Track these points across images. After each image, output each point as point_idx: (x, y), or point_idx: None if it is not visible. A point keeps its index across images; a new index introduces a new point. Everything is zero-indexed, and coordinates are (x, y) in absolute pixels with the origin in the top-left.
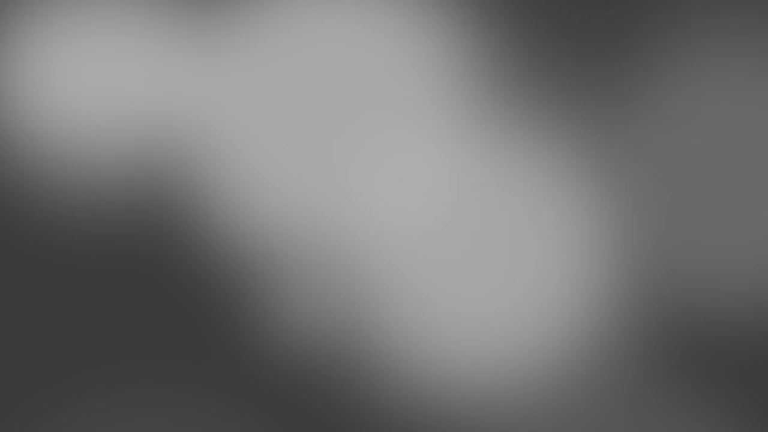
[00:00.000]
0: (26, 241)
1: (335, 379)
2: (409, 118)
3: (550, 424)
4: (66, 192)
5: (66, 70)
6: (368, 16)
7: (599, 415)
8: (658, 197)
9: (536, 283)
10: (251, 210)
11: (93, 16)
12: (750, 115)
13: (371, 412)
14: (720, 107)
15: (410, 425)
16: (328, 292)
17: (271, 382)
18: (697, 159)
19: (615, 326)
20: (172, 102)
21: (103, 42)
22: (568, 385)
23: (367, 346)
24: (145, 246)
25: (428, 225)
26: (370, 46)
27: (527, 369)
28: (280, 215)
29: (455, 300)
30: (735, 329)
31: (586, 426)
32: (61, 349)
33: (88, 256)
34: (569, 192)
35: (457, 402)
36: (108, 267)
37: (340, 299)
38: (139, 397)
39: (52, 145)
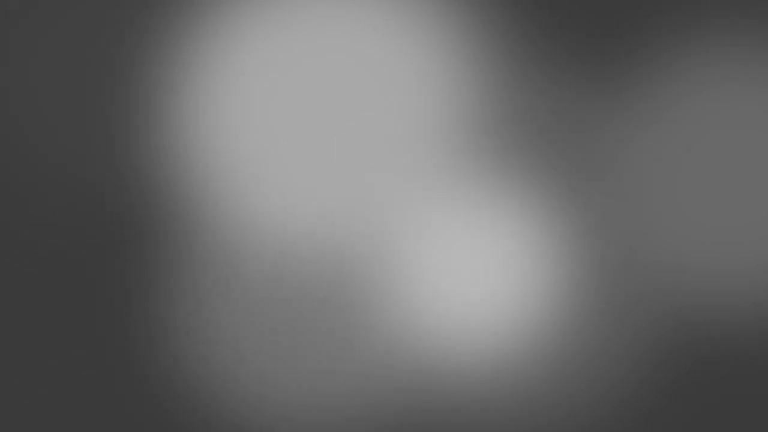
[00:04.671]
0: None
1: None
2: (408, 118)
3: (550, 423)
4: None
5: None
6: (368, 15)
7: (599, 414)
8: (659, 197)
9: (535, 284)
10: (250, 212)
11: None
12: (750, 117)
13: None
14: (721, 108)
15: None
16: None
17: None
18: (698, 159)
19: (614, 326)
20: (171, 102)
21: (101, 40)
22: (568, 385)
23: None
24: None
25: (423, 221)
26: (370, 46)
27: (527, 371)
28: (279, 217)
29: (446, 299)
30: (735, 329)
31: (586, 425)
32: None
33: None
34: (570, 192)
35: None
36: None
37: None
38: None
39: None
